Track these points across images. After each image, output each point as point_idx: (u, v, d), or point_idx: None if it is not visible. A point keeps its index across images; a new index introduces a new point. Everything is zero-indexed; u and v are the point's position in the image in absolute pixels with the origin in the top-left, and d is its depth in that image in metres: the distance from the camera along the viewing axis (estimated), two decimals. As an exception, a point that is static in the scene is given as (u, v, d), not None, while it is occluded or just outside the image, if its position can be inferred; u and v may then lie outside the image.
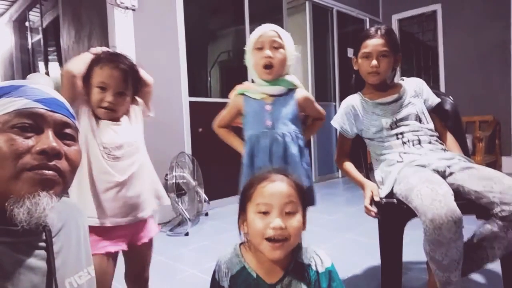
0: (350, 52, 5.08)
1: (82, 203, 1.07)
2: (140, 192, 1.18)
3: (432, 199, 1.13)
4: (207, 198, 3.06)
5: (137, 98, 1.29)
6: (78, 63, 1.17)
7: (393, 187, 1.36)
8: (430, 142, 1.46)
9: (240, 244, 0.94)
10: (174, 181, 2.79)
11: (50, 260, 0.63)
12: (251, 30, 1.42)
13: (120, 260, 1.23)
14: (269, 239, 0.82)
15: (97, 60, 1.17)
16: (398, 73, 1.76)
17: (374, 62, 1.47)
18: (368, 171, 1.66)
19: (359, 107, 1.57)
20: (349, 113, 1.58)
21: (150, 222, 1.26)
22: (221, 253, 0.94)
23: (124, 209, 1.15)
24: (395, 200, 1.35)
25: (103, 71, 1.14)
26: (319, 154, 4.74)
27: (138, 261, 1.28)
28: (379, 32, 1.48)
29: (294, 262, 0.89)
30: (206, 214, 3.21)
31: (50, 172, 0.61)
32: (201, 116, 3.34)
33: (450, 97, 1.68)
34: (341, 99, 1.81)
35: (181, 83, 3.24)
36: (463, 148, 1.54)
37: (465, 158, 1.41)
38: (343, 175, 3.73)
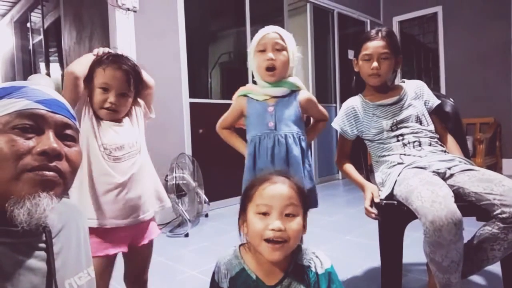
0: (350, 54, 5.08)
1: (82, 205, 1.07)
2: (140, 193, 1.18)
3: (433, 201, 1.13)
4: (207, 199, 3.06)
5: (138, 99, 1.29)
6: (81, 65, 1.17)
7: (393, 188, 1.36)
8: (430, 144, 1.46)
9: (240, 245, 0.94)
10: (174, 182, 2.79)
11: (50, 261, 0.63)
12: (252, 32, 1.42)
13: (120, 261, 1.23)
14: (268, 240, 0.82)
15: (99, 61, 1.17)
16: (398, 75, 1.76)
17: (375, 64, 1.47)
18: (368, 173, 1.66)
19: (359, 108, 1.57)
20: (349, 114, 1.58)
21: (151, 224, 1.26)
22: (221, 255, 0.94)
23: (125, 211, 1.14)
24: (395, 202, 1.35)
25: (106, 72, 1.15)
26: (319, 155, 4.74)
27: (138, 263, 1.27)
28: (380, 34, 1.49)
29: (293, 264, 0.89)
30: (206, 215, 3.21)
31: (51, 173, 0.61)
32: (202, 118, 3.34)
33: (451, 99, 1.69)
34: (342, 101, 1.82)
35: (182, 84, 3.24)
36: (463, 150, 1.54)
37: (466, 160, 1.41)
38: (343, 177, 3.73)
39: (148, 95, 1.32)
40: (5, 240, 0.59)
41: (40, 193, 0.59)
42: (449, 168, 1.33)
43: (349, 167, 1.58)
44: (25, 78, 5.03)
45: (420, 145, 1.45)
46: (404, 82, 1.61)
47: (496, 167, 4.40)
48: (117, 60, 1.17)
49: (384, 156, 1.50)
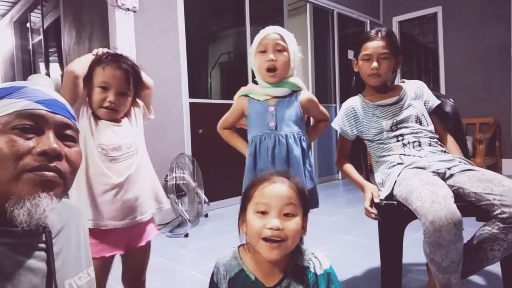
0: (350, 54, 5.08)
1: (79, 205, 1.07)
2: (138, 194, 1.17)
3: (432, 201, 1.13)
4: (207, 199, 3.06)
5: (137, 100, 1.29)
6: (80, 64, 1.17)
7: (393, 189, 1.36)
8: (430, 144, 1.46)
9: (239, 246, 0.94)
10: (174, 182, 2.79)
11: (50, 261, 0.63)
12: (252, 32, 1.43)
13: (118, 261, 1.23)
14: (266, 239, 0.82)
15: (99, 61, 1.17)
16: (398, 75, 1.76)
17: (375, 64, 1.47)
18: (368, 173, 1.66)
19: (359, 109, 1.57)
20: (349, 115, 1.58)
21: (149, 225, 1.25)
22: (220, 255, 0.93)
23: (122, 212, 1.13)
24: (395, 202, 1.35)
25: (106, 71, 1.14)
26: (319, 155, 4.74)
27: (136, 264, 1.27)
28: (379, 34, 1.49)
29: (292, 265, 0.89)
30: (206, 215, 3.21)
31: (51, 173, 0.61)
32: (202, 118, 3.35)
33: (451, 99, 1.69)
34: (342, 101, 1.82)
35: (182, 84, 3.24)
36: (463, 150, 1.54)
37: (465, 160, 1.41)
38: (343, 177, 3.73)
39: (147, 96, 1.32)
40: (5, 241, 0.59)
41: (40, 193, 0.59)
42: (449, 168, 1.33)
43: (349, 167, 1.58)
44: (24, 78, 5.03)
45: (420, 145, 1.45)
46: (403, 82, 1.61)
47: (495, 167, 4.40)
48: (117, 59, 1.17)
49: (384, 156, 1.50)
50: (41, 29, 4.87)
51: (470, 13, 4.77)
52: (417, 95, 1.55)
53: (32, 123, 0.61)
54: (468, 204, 1.22)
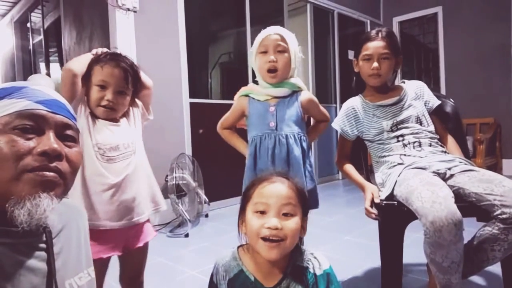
0: (351, 54, 5.08)
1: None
2: (135, 195, 1.16)
3: (433, 202, 1.13)
4: (207, 199, 3.06)
5: (136, 100, 1.28)
6: (79, 62, 1.17)
7: (393, 189, 1.36)
8: (430, 145, 1.46)
9: (238, 247, 0.94)
10: (174, 182, 2.79)
11: (50, 261, 0.63)
12: (252, 32, 1.43)
13: (117, 260, 1.23)
14: (264, 239, 0.82)
15: (97, 59, 1.17)
16: (398, 75, 1.76)
17: (375, 64, 1.47)
18: (368, 173, 1.66)
19: (360, 109, 1.57)
20: (349, 115, 1.58)
21: (146, 226, 1.24)
22: (219, 256, 0.93)
23: (119, 213, 1.12)
24: (395, 202, 1.35)
25: (104, 70, 1.14)
26: (319, 155, 4.74)
27: (133, 265, 1.26)
28: (380, 34, 1.49)
29: (292, 265, 0.88)
30: (206, 215, 3.21)
31: (51, 173, 0.61)
32: (202, 118, 3.35)
33: (451, 99, 1.69)
34: (342, 101, 1.82)
35: (182, 84, 3.24)
36: (463, 150, 1.54)
37: (466, 161, 1.41)
38: (344, 177, 3.73)
39: (146, 96, 1.31)
40: (5, 241, 0.59)
41: (40, 193, 0.59)
42: (449, 169, 1.33)
43: (349, 168, 1.58)
44: (25, 78, 5.03)
45: (420, 145, 1.45)
46: (404, 82, 1.61)
47: (496, 168, 4.40)
48: (115, 58, 1.17)
49: (384, 156, 1.50)
50: (41, 29, 4.87)
51: (471, 13, 4.77)
52: (417, 95, 1.55)
53: (32, 123, 0.61)
54: (468, 204, 1.22)
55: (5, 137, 0.59)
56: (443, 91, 5.01)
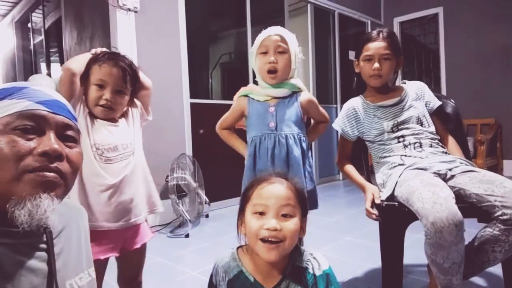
0: (351, 54, 5.08)
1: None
2: (133, 196, 1.15)
3: (433, 202, 1.13)
4: (207, 200, 3.06)
5: (135, 101, 1.28)
6: (78, 62, 1.17)
7: (394, 190, 1.36)
8: (431, 145, 1.46)
9: (238, 247, 0.94)
10: (175, 182, 2.79)
11: (50, 261, 0.63)
12: (253, 32, 1.43)
13: (115, 261, 1.22)
14: (263, 240, 0.82)
15: (95, 59, 1.16)
16: (399, 76, 1.76)
17: (376, 65, 1.47)
18: (369, 174, 1.66)
19: (360, 109, 1.57)
20: (350, 115, 1.58)
21: (144, 227, 1.23)
22: (218, 257, 0.93)
23: (116, 214, 1.12)
24: (396, 203, 1.35)
25: (102, 69, 1.14)
26: (320, 156, 4.74)
27: (131, 266, 1.25)
28: (381, 35, 1.49)
29: (291, 266, 0.88)
30: (207, 216, 3.21)
31: (52, 174, 0.61)
32: (202, 118, 3.35)
33: (452, 100, 1.68)
34: (343, 102, 1.82)
35: (183, 84, 3.24)
36: (464, 151, 1.54)
37: (467, 162, 1.40)
38: (344, 178, 3.73)
39: (146, 96, 1.30)
40: (6, 241, 0.59)
41: (41, 194, 0.59)
42: (450, 170, 1.33)
43: (350, 168, 1.58)
44: (26, 78, 5.03)
45: (421, 146, 1.45)
46: (405, 83, 1.61)
47: (497, 168, 4.39)
48: (114, 58, 1.17)
49: (385, 157, 1.50)
50: (42, 29, 4.88)
51: (471, 14, 4.77)
52: (418, 96, 1.55)
53: (33, 124, 0.61)
54: (469, 205, 1.22)
55: (5, 137, 0.59)
56: (443, 91, 5.01)
